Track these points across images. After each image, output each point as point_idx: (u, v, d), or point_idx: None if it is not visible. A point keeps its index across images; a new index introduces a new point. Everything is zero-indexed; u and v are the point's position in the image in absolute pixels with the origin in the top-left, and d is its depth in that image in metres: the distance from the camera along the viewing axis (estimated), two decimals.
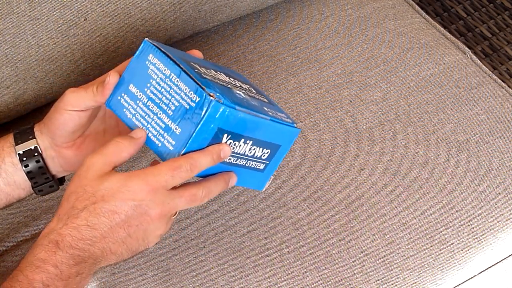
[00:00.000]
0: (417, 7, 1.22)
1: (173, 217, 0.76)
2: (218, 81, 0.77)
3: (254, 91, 0.83)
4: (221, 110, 0.72)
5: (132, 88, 0.76)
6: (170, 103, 0.74)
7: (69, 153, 0.83)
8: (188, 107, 0.73)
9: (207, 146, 0.74)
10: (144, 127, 0.75)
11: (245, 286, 0.92)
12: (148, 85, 0.75)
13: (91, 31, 0.98)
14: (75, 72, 1.01)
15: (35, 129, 0.83)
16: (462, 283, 0.98)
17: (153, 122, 0.75)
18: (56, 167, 0.84)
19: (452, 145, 1.04)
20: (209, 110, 0.72)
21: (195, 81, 0.73)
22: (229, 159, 0.77)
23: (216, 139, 0.74)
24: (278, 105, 0.87)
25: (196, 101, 0.72)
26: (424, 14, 1.21)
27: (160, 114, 0.74)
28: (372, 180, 1.00)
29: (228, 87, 0.78)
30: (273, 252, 0.94)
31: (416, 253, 0.96)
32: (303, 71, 1.10)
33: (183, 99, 0.73)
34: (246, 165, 0.80)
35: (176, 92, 0.74)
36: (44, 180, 0.84)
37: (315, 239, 0.96)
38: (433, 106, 1.08)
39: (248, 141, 0.77)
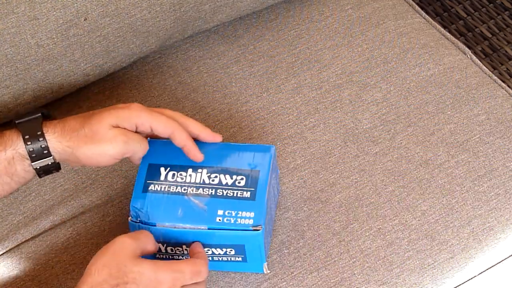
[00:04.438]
0: (417, 7, 1.21)
1: None
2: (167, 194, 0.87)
3: (214, 184, 0.88)
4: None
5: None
6: None
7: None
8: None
9: None
10: None
11: (245, 286, 0.92)
12: None
13: (91, 31, 0.98)
14: (75, 72, 1.01)
15: (51, 137, 0.86)
16: (462, 283, 0.98)
17: None
18: (62, 160, 0.88)
19: (452, 146, 1.04)
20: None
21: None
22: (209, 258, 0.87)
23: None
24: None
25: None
26: (424, 14, 1.21)
27: None
28: (372, 181, 1.00)
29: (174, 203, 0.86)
30: (273, 253, 0.94)
31: (416, 253, 0.96)
32: (303, 71, 1.09)
33: None
34: (225, 259, 0.88)
35: None
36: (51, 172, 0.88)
37: (315, 240, 0.96)
38: (433, 107, 1.07)
39: (207, 250, 0.87)
